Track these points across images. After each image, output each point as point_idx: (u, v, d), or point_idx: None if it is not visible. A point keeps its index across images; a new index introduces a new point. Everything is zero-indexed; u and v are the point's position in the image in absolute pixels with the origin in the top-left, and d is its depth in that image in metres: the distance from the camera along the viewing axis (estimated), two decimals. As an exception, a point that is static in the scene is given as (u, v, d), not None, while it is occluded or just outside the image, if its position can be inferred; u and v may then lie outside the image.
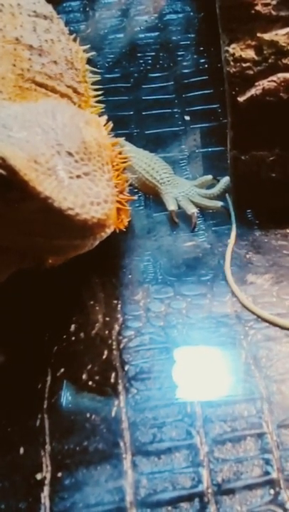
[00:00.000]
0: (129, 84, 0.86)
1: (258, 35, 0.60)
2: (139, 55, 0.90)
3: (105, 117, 0.58)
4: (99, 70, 0.72)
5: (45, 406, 0.54)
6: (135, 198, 0.69)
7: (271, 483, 0.49)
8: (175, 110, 0.82)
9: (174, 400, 0.55)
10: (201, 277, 0.63)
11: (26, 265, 0.54)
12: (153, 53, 0.90)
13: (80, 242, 0.48)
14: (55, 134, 0.48)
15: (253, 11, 0.59)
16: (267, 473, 0.50)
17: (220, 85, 0.75)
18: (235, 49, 0.60)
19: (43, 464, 0.51)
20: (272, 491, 0.49)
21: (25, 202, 0.46)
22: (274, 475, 0.50)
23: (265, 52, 0.60)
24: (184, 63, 0.88)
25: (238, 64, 0.60)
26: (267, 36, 0.59)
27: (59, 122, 0.49)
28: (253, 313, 0.59)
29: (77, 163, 0.47)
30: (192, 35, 0.92)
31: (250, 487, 0.49)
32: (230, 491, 0.49)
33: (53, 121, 0.49)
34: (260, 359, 0.57)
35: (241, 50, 0.60)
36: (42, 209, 0.46)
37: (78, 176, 0.47)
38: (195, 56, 0.89)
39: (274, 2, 0.59)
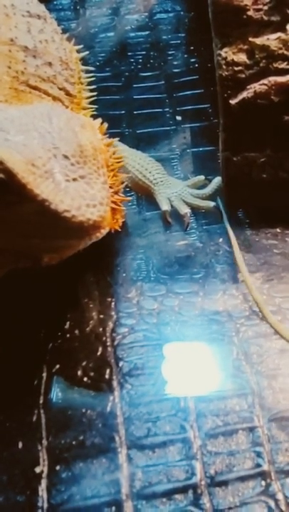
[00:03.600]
0: (120, 84, 0.86)
1: (250, 39, 0.60)
2: (129, 54, 0.90)
3: (100, 120, 0.59)
4: (92, 69, 0.72)
5: (41, 402, 0.55)
6: (130, 198, 0.69)
7: (262, 475, 0.51)
8: (166, 110, 0.83)
9: (168, 395, 0.56)
10: (193, 275, 0.64)
11: (22, 264, 0.55)
12: (144, 52, 0.90)
13: (76, 243, 0.49)
14: (52, 138, 0.48)
15: (245, 16, 0.60)
16: (258, 465, 0.51)
17: (210, 85, 0.75)
18: (227, 53, 0.61)
19: (41, 458, 0.52)
20: (263, 483, 0.50)
21: (23, 204, 0.47)
22: (265, 467, 0.51)
23: (256, 56, 0.61)
24: (175, 62, 0.89)
25: (230, 67, 0.61)
26: (258, 41, 0.60)
27: (55, 126, 0.50)
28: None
29: (74, 166, 0.48)
30: (182, 35, 0.93)
31: (242, 479, 0.50)
32: (223, 483, 0.50)
33: (49, 125, 0.50)
34: (251, 355, 0.58)
35: (233, 54, 0.61)
36: (39, 211, 0.47)
37: (74, 179, 0.48)
38: (185, 55, 0.90)
39: (266, 7, 0.60)
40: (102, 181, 0.49)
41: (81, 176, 0.48)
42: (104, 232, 0.49)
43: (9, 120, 0.49)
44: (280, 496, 0.50)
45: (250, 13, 0.60)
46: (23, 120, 0.49)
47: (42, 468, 0.52)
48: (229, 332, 0.60)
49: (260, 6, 0.59)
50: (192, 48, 0.90)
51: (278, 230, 0.68)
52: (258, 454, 0.52)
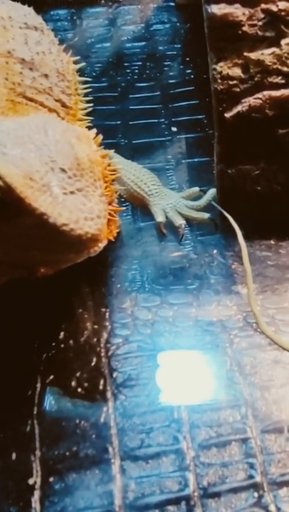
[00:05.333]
0: (116, 94, 0.87)
1: (245, 54, 0.61)
2: (126, 64, 0.91)
3: (94, 130, 0.59)
4: (89, 79, 0.72)
5: (35, 412, 0.55)
6: (124, 208, 0.70)
7: (255, 487, 0.51)
8: (162, 120, 0.83)
9: (161, 406, 0.56)
10: (187, 286, 0.65)
11: (18, 275, 0.55)
12: (140, 63, 0.91)
13: (74, 256, 0.50)
14: (49, 151, 0.49)
15: (240, 31, 0.60)
16: (251, 476, 0.52)
17: (206, 96, 0.76)
18: (222, 67, 0.61)
19: (34, 469, 0.52)
20: (256, 494, 0.51)
21: (21, 218, 0.47)
22: (258, 478, 0.51)
23: (251, 70, 0.61)
24: (171, 73, 0.89)
25: (226, 81, 0.62)
26: (253, 55, 0.61)
27: (51, 138, 0.50)
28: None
29: (71, 179, 0.49)
30: (178, 46, 0.93)
31: (234, 490, 0.51)
32: (216, 494, 0.51)
33: (45, 138, 0.50)
34: (244, 366, 0.58)
35: (228, 69, 0.61)
36: (37, 225, 0.47)
37: (72, 192, 0.48)
38: (181, 66, 0.90)
39: (260, 23, 0.60)
40: (99, 194, 0.50)
41: (78, 188, 0.49)
42: (101, 246, 0.49)
43: (5, 133, 0.49)
44: (272, 508, 0.50)
45: (245, 28, 0.60)
46: (19, 132, 0.50)
47: (35, 479, 0.52)
48: (223, 343, 0.60)
49: (255, 22, 0.60)
50: (188, 59, 0.91)
51: (272, 241, 0.69)
52: (251, 466, 0.52)
